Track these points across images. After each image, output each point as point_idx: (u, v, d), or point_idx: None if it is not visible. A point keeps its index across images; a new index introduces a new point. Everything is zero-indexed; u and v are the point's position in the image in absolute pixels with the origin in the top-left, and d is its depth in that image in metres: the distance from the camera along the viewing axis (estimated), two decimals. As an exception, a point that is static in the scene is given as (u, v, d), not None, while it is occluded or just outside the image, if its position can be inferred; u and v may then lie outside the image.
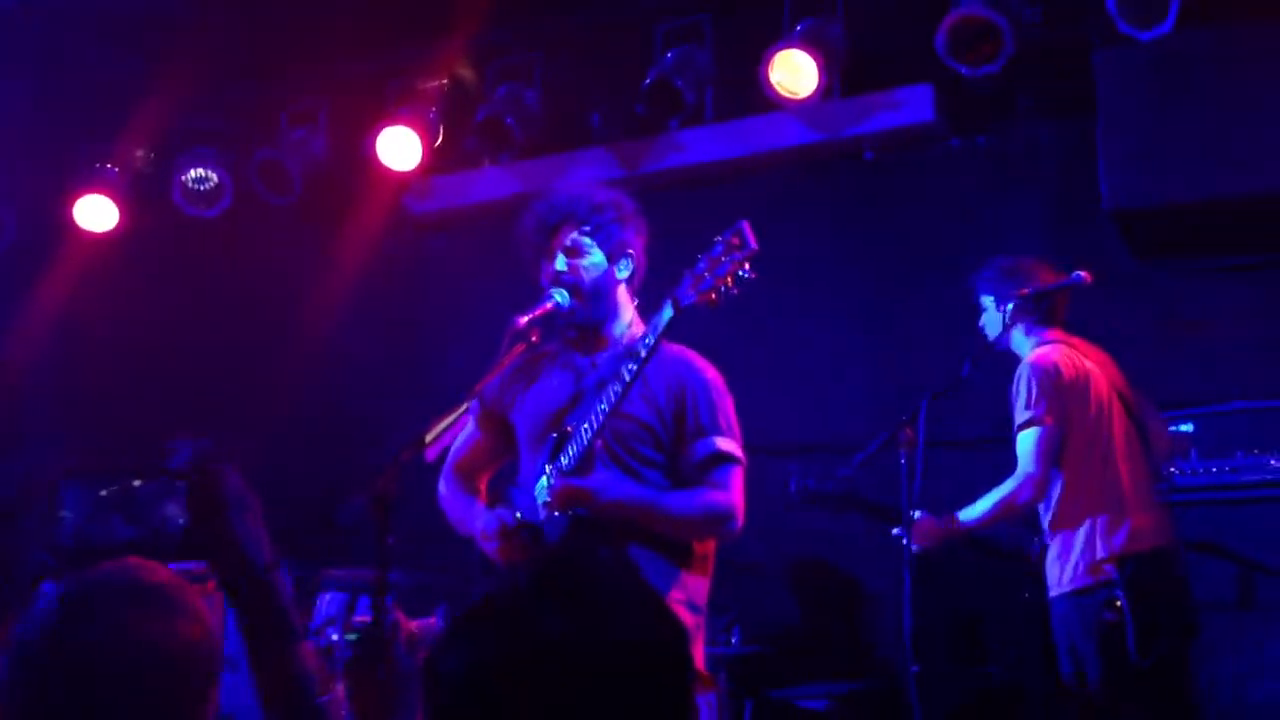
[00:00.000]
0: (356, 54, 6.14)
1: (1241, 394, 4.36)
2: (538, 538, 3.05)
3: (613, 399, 2.97)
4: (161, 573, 1.63)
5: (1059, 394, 4.04)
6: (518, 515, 3.13)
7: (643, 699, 1.33)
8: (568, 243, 3.20)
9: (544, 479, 3.08)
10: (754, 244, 2.90)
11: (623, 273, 3.25)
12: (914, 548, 4.04)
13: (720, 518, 3.09)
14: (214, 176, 6.43)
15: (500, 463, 3.43)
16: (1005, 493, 4.05)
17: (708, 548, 3.18)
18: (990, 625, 4.67)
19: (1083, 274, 4.04)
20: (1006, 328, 4.22)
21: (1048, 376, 4.06)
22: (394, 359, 6.47)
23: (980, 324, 4.38)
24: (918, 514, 4.08)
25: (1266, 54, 4.66)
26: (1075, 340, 4.25)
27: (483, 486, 3.44)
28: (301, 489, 6.19)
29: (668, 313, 2.97)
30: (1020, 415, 4.06)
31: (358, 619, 4.40)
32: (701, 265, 2.96)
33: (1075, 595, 3.97)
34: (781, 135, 5.82)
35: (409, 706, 1.67)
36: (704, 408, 3.13)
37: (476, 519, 3.21)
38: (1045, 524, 4.12)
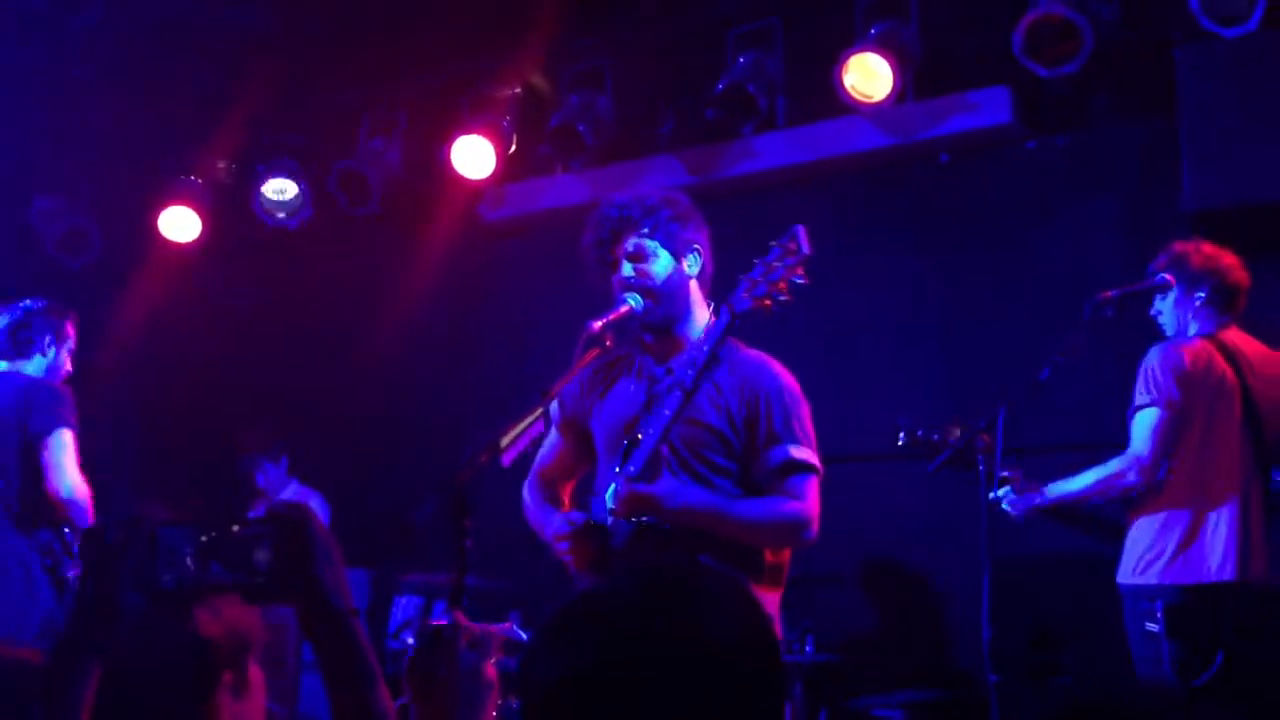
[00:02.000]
0: (432, 63, 6.22)
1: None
2: (605, 539, 3.05)
3: (675, 406, 2.95)
4: None
5: (1181, 382, 3.92)
6: (585, 517, 3.13)
7: (740, 705, 1.34)
8: (630, 248, 3.19)
9: (611, 486, 3.08)
10: (807, 249, 2.91)
11: (692, 269, 3.23)
12: (1015, 510, 4.00)
13: (792, 527, 3.05)
14: (294, 187, 6.54)
15: (581, 470, 3.44)
16: (1109, 471, 3.93)
17: (781, 558, 3.14)
18: (1073, 633, 4.58)
19: (1167, 275, 3.96)
20: (1184, 319, 4.11)
21: (1170, 363, 3.95)
22: (469, 365, 6.53)
23: (1155, 313, 4.23)
24: (1007, 473, 4.00)
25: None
26: (1241, 338, 4.10)
27: (565, 495, 3.45)
28: (378, 495, 6.28)
29: (723, 320, 2.97)
30: (1140, 397, 3.94)
31: (433, 622, 4.43)
32: (757, 271, 2.97)
33: (1130, 592, 3.90)
34: (855, 140, 5.77)
35: (470, 707, 1.68)
36: (778, 414, 3.09)
37: (550, 522, 3.23)
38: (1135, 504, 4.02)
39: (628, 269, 3.19)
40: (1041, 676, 4.37)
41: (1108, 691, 3.92)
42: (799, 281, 2.93)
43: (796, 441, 3.08)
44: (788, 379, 3.16)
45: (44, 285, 6.89)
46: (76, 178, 6.76)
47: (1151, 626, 3.71)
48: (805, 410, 3.15)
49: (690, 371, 2.97)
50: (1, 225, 6.70)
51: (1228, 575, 3.80)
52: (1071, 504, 4.02)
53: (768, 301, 2.93)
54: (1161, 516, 3.88)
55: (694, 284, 3.25)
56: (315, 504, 6.37)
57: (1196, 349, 3.99)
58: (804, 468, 3.08)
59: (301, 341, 6.86)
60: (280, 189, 6.53)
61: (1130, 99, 5.36)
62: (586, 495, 3.32)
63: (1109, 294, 4.03)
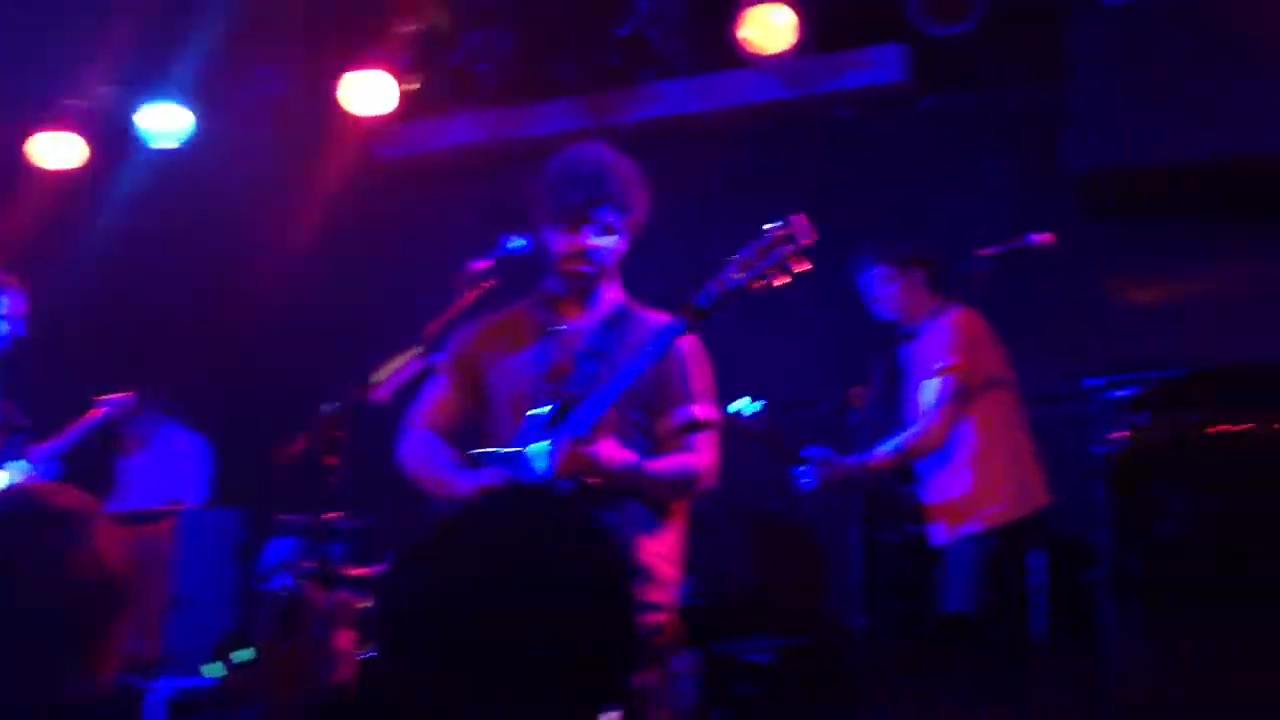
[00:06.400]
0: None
1: (1193, 356, 4.40)
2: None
3: (636, 373, 3.02)
4: (68, 498, 1.62)
5: (982, 345, 4.20)
6: (509, 477, 3.11)
7: (588, 626, 1.40)
8: (606, 220, 3.18)
9: (542, 444, 3.09)
10: (807, 239, 2.95)
11: (626, 246, 3.29)
12: (814, 484, 4.21)
13: (695, 480, 3.20)
14: (178, 115, 6.35)
15: (466, 421, 3.42)
16: (909, 438, 4.18)
17: (683, 505, 3.28)
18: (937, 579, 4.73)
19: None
20: (912, 293, 4.39)
21: (971, 330, 4.22)
22: (358, 302, 6.45)
23: (892, 291, 4.47)
24: (814, 451, 4.18)
25: (1236, 20, 4.67)
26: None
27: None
28: (259, 431, 6.18)
29: (711, 297, 3.01)
30: (938, 363, 4.19)
31: (305, 564, 4.40)
32: (749, 252, 3.00)
33: (983, 536, 4.14)
34: (754, 90, 5.80)
35: (319, 680, 1.68)
36: (685, 375, 3.21)
37: (463, 479, 3.15)
38: (948, 466, 4.27)
39: (594, 238, 3.19)
40: (907, 622, 4.51)
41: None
42: (797, 269, 2.99)
43: (700, 399, 3.22)
44: (691, 339, 3.24)
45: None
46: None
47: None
48: (706, 366, 3.27)
49: (654, 350, 3.04)
50: None
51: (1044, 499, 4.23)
52: (879, 470, 4.24)
53: (760, 282, 2.99)
54: (1002, 461, 4.19)
55: None
56: (194, 445, 6.26)
57: (974, 317, 4.30)
58: (704, 424, 3.22)
59: (185, 275, 6.70)
60: (165, 113, 6.33)
61: (1022, 61, 5.44)
62: (479, 448, 3.28)
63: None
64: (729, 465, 4.68)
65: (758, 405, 4.45)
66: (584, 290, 3.25)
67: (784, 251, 2.97)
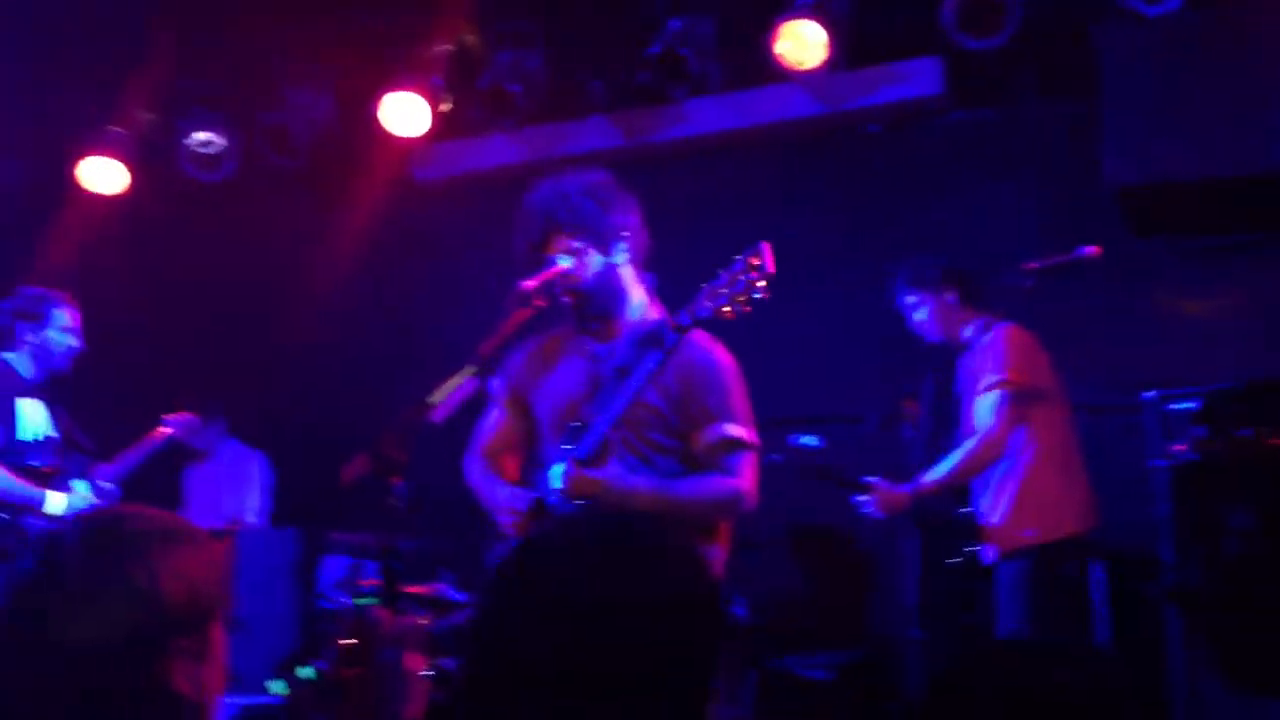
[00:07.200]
0: (360, 15, 6.11)
1: (1239, 371, 4.38)
2: (549, 518, 3.09)
3: (628, 397, 3.02)
4: (156, 521, 1.66)
5: (1033, 360, 4.20)
6: (532, 496, 3.16)
7: (681, 654, 1.40)
8: (567, 250, 3.18)
9: (558, 466, 3.11)
10: (771, 266, 2.97)
11: (620, 257, 3.24)
12: (879, 514, 4.21)
13: (727, 503, 3.14)
14: (219, 140, 6.41)
15: (524, 444, 3.45)
16: (965, 456, 4.16)
17: (722, 527, 3.23)
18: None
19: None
20: (948, 313, 4.41)
21: (1024, 342, 4.22)
22: (398, 324, 6.50)
23: (925, 316, 4.48)
24: (876, 480, 4.18)
25: (1269, 33, 4.67)
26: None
27: (510, 467, 3.45)
28: (306, 453, 6.23)
29: (683, 324, 3.03)
30: (990, 377, 4.17)
31: (363, 582, 4.44)
32: (721, 280, 3.02)
33: (1032, 551, 4.14)
34: (786, 107, 5.81)
35: (392, 702, 1.70)
36: (714, 394, 3.16)
37: (496, 495, 3.27)
38: (1000, 482, 4.26)
39: (557, 270, 3.20)
40: (965, 636, 4.50)
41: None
42: (759, 296, 3.00)
43: (731, 419, 3.16)
44: (725, 358, 3.23)
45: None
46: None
47: (1072, 572, 3.96)
48: (741, 388, 3.22)
49: (642, 373, 3.04)
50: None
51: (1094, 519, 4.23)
52: (939, 489, 4.23)
53: (728, 309, 3.00)
54: (1053, 475, 4.19)
55: (625, 270, 3.27)
56: (257, 464, 6.31)
57: (1023, 331, 4.30)
58: (739, 444, 3.16)
59: (227, 300, 6.75)
60: (205, 141, 6.39)
61: (1056, 75, 5.45)
62: (534, 470, 3.33)
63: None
64: (786, 480, 4.73)
65: (815, 439, 4.46)
66: (593, 315, 3.25)
67: (750, 279, 2.98)
